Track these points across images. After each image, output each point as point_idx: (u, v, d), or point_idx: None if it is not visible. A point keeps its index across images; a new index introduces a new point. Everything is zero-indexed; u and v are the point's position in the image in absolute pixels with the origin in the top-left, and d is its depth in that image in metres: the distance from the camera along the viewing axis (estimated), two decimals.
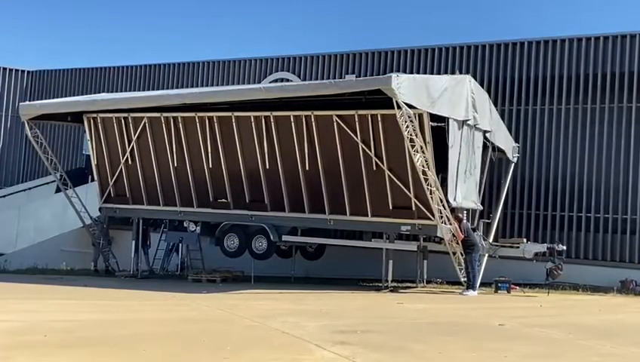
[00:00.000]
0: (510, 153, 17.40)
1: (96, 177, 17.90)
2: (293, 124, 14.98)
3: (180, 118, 16.31)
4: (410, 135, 13.20)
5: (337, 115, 14.48)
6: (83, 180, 21.31)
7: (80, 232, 20.04)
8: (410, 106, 13.16)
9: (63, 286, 14.61)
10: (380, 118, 13.95)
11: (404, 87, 13.06)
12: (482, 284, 14.99)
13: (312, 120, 14.77)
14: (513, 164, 17.56)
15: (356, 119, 14.31)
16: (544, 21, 41.28)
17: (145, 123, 16.74)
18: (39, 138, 18.16)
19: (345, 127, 14.46)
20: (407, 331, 9.23)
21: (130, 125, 16.95)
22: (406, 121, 13.10)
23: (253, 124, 15.41)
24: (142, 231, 17.90)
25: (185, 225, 17.10)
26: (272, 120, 15.18)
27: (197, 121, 16.05)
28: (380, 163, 14.29)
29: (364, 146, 14.37)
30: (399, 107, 12.99)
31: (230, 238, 16.47)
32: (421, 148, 13.35)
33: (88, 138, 17.78)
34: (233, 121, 15.64)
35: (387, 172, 14.23)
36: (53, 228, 20.69)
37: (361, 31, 46.20)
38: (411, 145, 13.30)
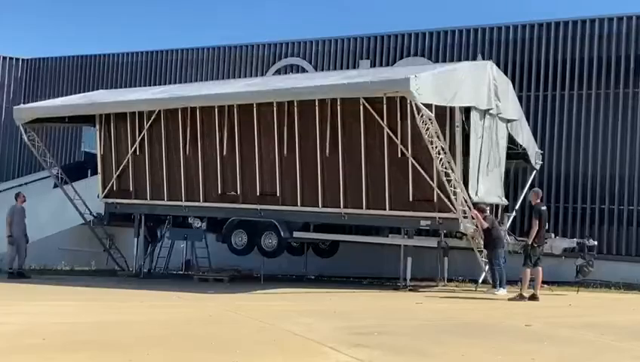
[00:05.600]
0: (533, 158, 17.27)
1: (99, 169, 17.98)
2: (317, 107, 14.96)
3: (197, 106, 16.33)
4: (431, 137, 13.17)
5: (365, 98, 14.42)
6: (82, 175, 21.41)
7: (80, 230, 20.17)
8: (427, 106, 13.09)
9: (63, 287, 14.71)
10: (408, 101, 13.82)
11: (423, 86, 12.94)
12: (507, 282, 14.93)
13: (338, 103, 14.74)
14: (535, 171, 17.39)
15: (384, 102, 14.27)
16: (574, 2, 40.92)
17: (160, 111, 16.78)
18: (35, 141, 18.22)
19: (372, 110, 14.42)
20: (427, 333, 9.21)
21: (144, 113, 17.00)
22: (426, 123, 13.06)
23: (275, 108, 15.39)
24: (149, 228, 17.98)
25: (190, 221, 17.15)
26: (295, 104, 15.17)
27: (215, 108, 16.07)
28: (404, 150, 14.25)
29: (389, 132, 14.33)
30: (419, 110, 12.94)
31: (238, 235, 16.52)
32: (442, 149, 13.33)
33: (97, 128, 17.86)
34: (254, 107, 15.63)
35: (411, 159, 14.19)
36: (51, 226, 20.80)
37: (375, 13, 46.09)
38: (433, 148, 13.25)
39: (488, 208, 14.69)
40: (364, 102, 14.42)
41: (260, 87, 16.44)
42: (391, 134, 14.34)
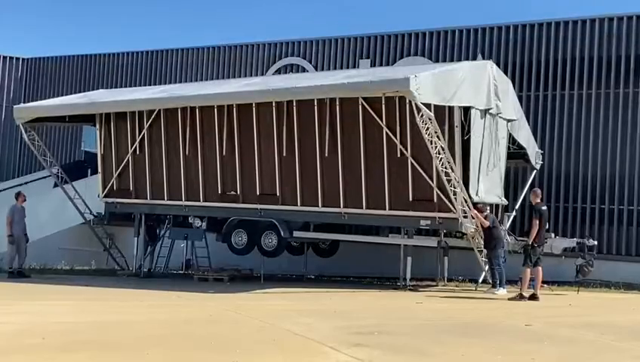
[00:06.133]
0: (533, 158, 17.26)
1: (100, 169, 17.97)
2: (316, 108, 14.97)
3: (197, 106, 16.34)
4: (431, 137, 13.16)
5: (364, 98, 14.42)
6: (82, 174, 21.41)
7: (80, 229, 20.16)
8: (427, 105, 13.10)
9: (63, 286, 14.69)
10: (407, 101, 13.80)
11: (423, 86, 12.96)
12: (507, 282, 14.92)
13: (337, 103, 14.75)
14: (535, 171, 17.39)
15: (383, 102, 14.27)
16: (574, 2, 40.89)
17: (160, 110, 16.78)
18: (35, 140, 18.21)
19: (370, 110, 14.42)
20: (427, 332, 9.20)
21: (144, 113, 17.00)
22: (426, 123, 13.05)
23: (274, 109, 15.40)
24: (148, 227, 17.97)
25: (190, 220, 17.14)
26: (294, 104, 15.18)
27: (215, 108, 16.09)
28: (404, 150, 14.26)
29: (388, 131, 14.34)
30: (419, 109, 12.93)
31: (238, 234, 16.50)
32: (442, 149, 13.32)
33: (98, 128, 17.86)
34: (254, 107, 15.64)
35: (410, 159, 14.19)
36: (51, 225, 20.82)
37: (375, 13, 46.08)
38: (432, 147, 13.24)
39: (488, 208, 14.69)
40: (363, 102, 14.42)
41: (259, 86, 16.44)
42: (390, 134, 14.34)
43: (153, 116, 16.89)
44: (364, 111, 14.47)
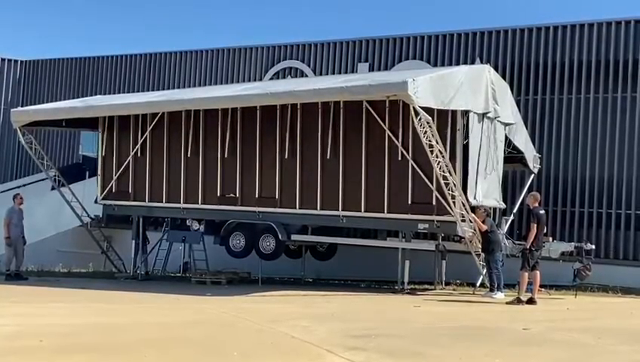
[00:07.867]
0: (531, 162, 17.29)
1: (99, 171, 17.96)
2: (320, 110, 15.00)
3: (200, 109, 16.33)
4: (429, 140, 13.19)
5: (368, 101, 14.46)
6: (80, 177, 21.40)
7: (77, 232, 20.13)
8: (428, 109, 13.13)
9: (60, 289, 14.68)
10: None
11: (421, 90, 12.99)
12: (505, 286, 14.94)
13: (341, 106, 14.80)
14: (533, 175, 17.42)
15: (386, 105, 14.30)
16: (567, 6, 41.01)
17: (164, 113, 16.80)
18: (33, 144, 18.19)
19: (374, 113, 14.47)
20: (424, 336, 9.21)
21: (147, 116, 17.01)
22: (424, 127, 13.08)
23: (276, 112, 15.44)
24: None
25: (188, 223, 17.14)
26: (298, 107, 15.22)
27: (218, 111, 16.11)
28: (405, 153, 14.29)
29: (390, 134, 14.37)
30: (417, 113, 12.97)
31: (236, 237, 16.48)
32: (440, 152, 13.35)
33: (100, 131, 17.85)
34: (256, 110, 15.68)
35: (411, 162, 14.22)
36: (48, 228, 20.80)
37: (374, 16, 46.16)
38: (430, 151, 13.27)
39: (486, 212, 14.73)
40: (367, 105, 14.46)
41: (260, 90, 16.48)
42: (392, 137, 14.37)
43: (156, 120, 16.89)
44: (368, 114, 14.52)
